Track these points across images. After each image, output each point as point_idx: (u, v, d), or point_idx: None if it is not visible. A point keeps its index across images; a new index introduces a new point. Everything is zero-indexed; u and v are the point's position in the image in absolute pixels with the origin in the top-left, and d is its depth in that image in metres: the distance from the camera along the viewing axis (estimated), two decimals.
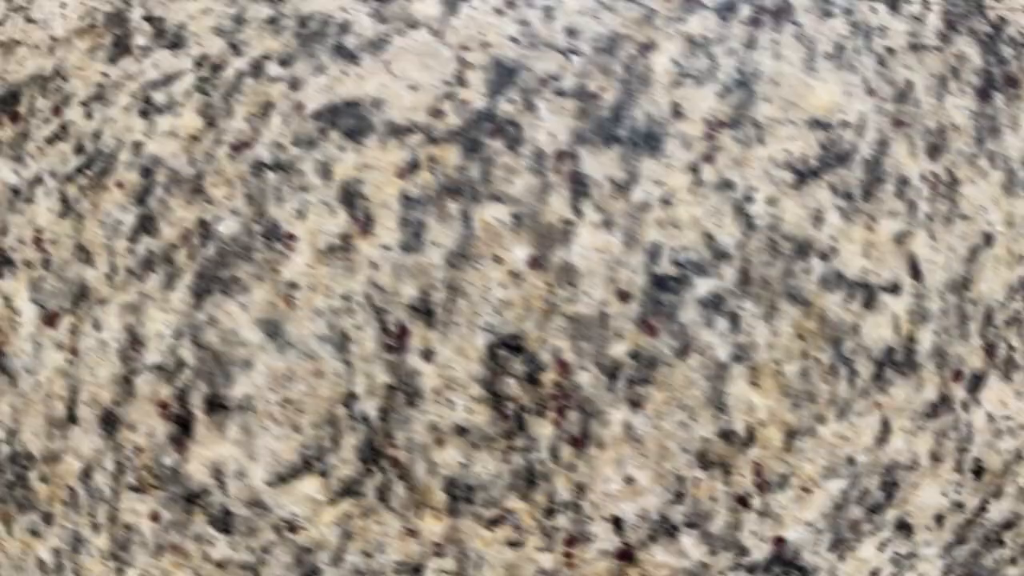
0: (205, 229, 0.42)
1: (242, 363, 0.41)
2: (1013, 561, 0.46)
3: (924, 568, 0.43)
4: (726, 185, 0.43)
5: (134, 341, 0.43)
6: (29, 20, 0.46)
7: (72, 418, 0.43)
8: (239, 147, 0.43)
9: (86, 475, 0.42)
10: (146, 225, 0.43)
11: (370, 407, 0.41)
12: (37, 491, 0.43)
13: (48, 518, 0.43)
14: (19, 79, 0.45)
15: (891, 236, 0.43)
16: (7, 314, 0.43)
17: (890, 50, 0.44)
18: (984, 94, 0.44)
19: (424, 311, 0.42)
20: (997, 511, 0.44)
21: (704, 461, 0.40)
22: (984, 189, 0.44)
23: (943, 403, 0.42)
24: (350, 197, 0.42)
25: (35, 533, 0.43)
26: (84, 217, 0.44)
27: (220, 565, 0.42)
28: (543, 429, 0.41)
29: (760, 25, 0.44)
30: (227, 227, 0.42)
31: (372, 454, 0.41)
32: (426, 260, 0.42)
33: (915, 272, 0.43)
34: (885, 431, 0.42)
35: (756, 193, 0.43)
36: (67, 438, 0.43)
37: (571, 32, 0.44)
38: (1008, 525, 0.44)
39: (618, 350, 0.42)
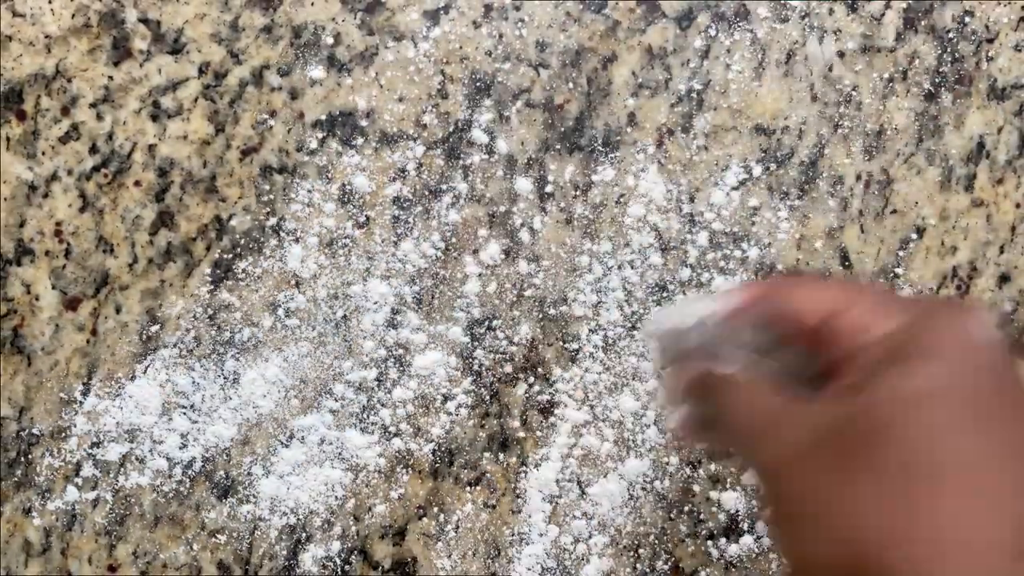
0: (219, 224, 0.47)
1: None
2: None
3: None
4: (675, 185, 0.48)
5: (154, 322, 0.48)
6: (16, 14, 0.48)
7: (87, 392, 0.48)
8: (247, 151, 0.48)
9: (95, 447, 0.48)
10: (165, 220, 0.48)
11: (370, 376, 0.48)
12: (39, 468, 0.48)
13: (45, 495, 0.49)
14: (19, 77, 0.48)
15: (823, 230, 0.48)
16: (26, 299, 0.48)
17: (841, 54, 0.49)
18: (931, 94, 0.49)
19: (415, 300, 0.48)
20: None
21: None
22: (919, 186, 0.49)
23: None
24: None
25: (27, 512, 0.48)
26: (104, 212, 0.48)
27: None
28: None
29: (716, 34, 0.49)
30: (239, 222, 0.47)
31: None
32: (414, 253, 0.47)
33: (845, 262, 0.49)
34: None
35: (699, 193, 0.48)
36: (79, 413, 0.48)
37: (541, 46, 0.49)
38: None
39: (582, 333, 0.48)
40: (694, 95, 0.49)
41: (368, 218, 0.49)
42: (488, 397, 0.49)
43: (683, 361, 0.33)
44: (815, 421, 0.27)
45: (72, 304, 0.49)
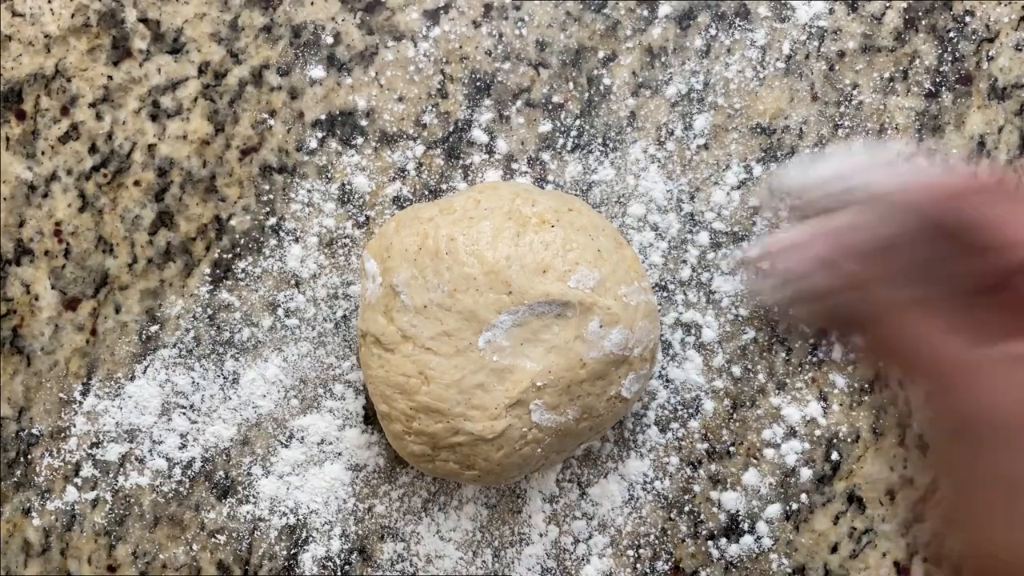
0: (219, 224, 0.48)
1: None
2: None
3: (886, 546, 0.48)
4: (675, 184, 0.49)
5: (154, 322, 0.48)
6: (16, 14, 0.49)
7: (86, 392, 0.49)
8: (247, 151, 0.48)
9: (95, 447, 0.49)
10: (164, 220, 0.49)
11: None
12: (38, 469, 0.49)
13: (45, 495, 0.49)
14: (19, 77, 0.49)
15: None
16: (26, 299, 0.49)
17: (841, 54, 0.49)
18: (932, 94, 0.50)
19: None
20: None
21: None
22: None
23: (878, 379, 0.48)
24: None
25: (27, 512, 0.49)
26: (104, 212, 0.49)
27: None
28: None
29: (716, 33, 0.49)
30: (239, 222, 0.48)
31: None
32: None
33: None
34: (825, 405, 0.49)
35: (699, 193, 0.49)
36: (79, 413, 0.49)
37: (541, 46, 0.49)
38: None
39: None
40: (694, 95, 0.49)
41: (368, 218, 0.49)
42: None
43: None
44: (1016, 380, 0.22)
45: (72, 304, 0.49)
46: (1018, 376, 0.22)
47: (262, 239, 0.49)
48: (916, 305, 0.24)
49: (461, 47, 0.49)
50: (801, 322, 0.26)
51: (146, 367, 0.49)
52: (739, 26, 0.49)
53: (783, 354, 0.49)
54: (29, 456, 0.49)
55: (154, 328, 0.49)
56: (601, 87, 0.49)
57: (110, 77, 0.49)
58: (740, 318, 0.49)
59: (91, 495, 0.49)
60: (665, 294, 0.49)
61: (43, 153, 0.49)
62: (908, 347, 0.24)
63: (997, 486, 0.22)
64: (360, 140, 0.49)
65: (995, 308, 0.24)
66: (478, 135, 0.49)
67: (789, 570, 0.49)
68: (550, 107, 0.49)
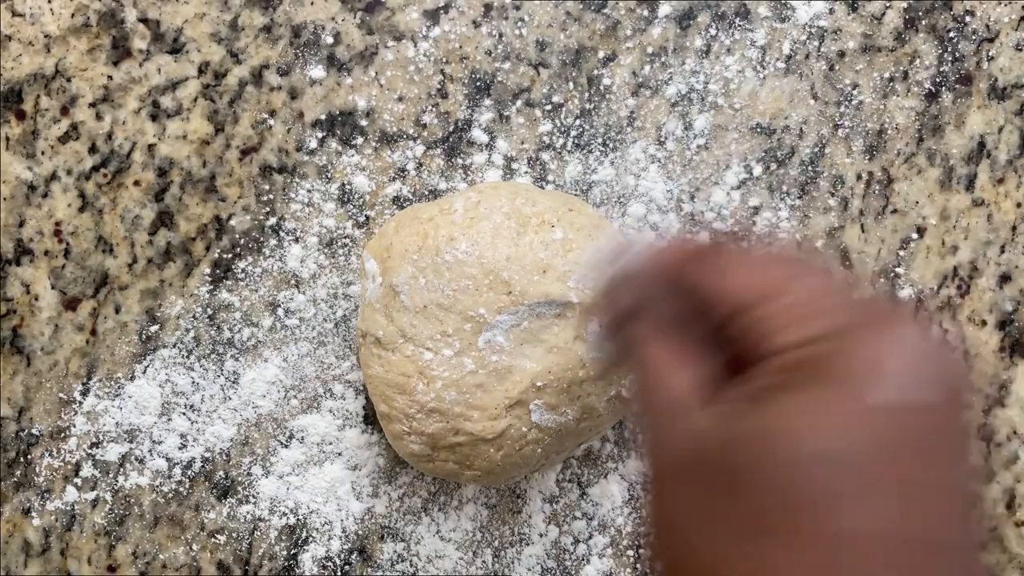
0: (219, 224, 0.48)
1: None
2: (983, 546, 0.50)
3: None
4: (675, 184, 0.49)
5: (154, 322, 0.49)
6: (16, 14, 0.49)
7: (86, 392, 0.49)
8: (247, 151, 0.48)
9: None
10: (164, 220, 0.49)
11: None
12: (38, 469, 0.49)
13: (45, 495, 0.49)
14: (19, 77, 0.49)
15: (824, 230, 0.49)
16: (26, 299, 0.49)
17: (841, 54, 0.49)
18: (932, 94, 0.50)
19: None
20: None
21: None
22: (920, 185, 0.50)
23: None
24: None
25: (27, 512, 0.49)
26: (104, 212, 0.49)
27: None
28: None
29: (716, 33, 0.49)
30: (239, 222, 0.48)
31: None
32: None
33: (846, 262, 0.49)
34: None
35: (699, 193, 0.49)
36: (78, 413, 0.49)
37: (541, 46, 0.49)
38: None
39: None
40: (694, 95, 0.50)
41: (368, 218, 0.49)
42: None
43: (615, 294, 0.30)
44: (707, 428, 0.24)
45: (71, 304, 0.49)
46: (693, 416, 0.24)
47: (262, 239, 0.49)
48: (661, 336, 0.27)
49: (461, 47, 0.50)
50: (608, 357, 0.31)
51: (146, 367, 0.49)
52: (739, 26, 0.50)
53: None
54: (29, 456, 0.49)
55: (154, 328, 0.49)
56: (601, 87, 0.49)
57: (110, 77, 0.49)
58: None
59: (91, 495, 0.49)
60: None
61: (43, 153, 0.49)
62: (644, 371, 0.27)
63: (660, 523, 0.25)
64: (360, 140, 0.49)
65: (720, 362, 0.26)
66: (478, 135, 0.49)
67: None
68: (550, 107, 0.49)
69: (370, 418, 0.49)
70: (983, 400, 0.50)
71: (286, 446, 0.49)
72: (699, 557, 0.23)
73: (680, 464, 0.24)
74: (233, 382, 0.49)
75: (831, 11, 0.50)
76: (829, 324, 0.23)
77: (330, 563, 0.49)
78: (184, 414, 0.49)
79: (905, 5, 0.50)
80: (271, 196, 0.49)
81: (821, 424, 0.22)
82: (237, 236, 0.49)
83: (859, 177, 0.50)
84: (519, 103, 0.50)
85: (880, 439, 0.21)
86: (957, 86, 0.49)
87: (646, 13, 0.50)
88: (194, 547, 0.49)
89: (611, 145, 0.49)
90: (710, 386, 0.25)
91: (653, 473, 0.25)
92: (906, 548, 0.21)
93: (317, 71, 0.49)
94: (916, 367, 0.22)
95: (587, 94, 0.50)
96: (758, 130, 0.50)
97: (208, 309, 0.49)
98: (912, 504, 0.21)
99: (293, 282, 0.49)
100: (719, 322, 0.25)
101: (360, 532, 0.49)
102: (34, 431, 0.49)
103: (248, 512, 0.49)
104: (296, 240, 0.49)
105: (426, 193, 0.50)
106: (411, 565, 0.49)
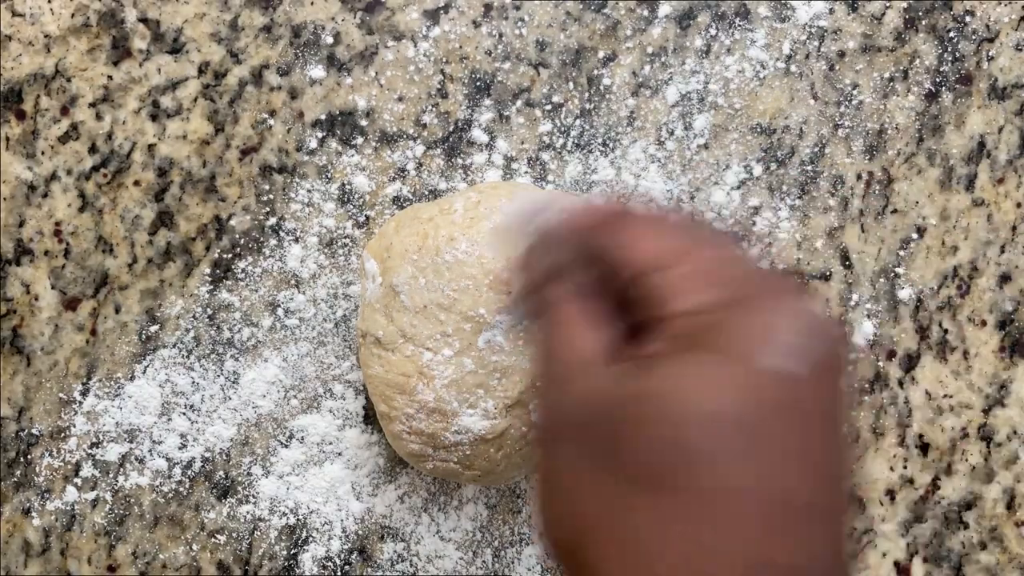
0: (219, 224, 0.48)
1: None
2: (983, 546, 0.48)
3: (886, 546, 0.49)
4: (675, 184, 0.49)
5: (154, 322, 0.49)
6: (16, 14, 0.49)
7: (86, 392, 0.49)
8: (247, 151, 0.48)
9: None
10: (164, 220, 0.49)
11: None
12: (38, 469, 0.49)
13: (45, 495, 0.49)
14: (19, 77, 0.49)
15: (824, 230, 0.49)
16: (26, 299, 0.49)
17: (841, 54, 0.49)
18: (932, 94, 0.50)
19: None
20: (952, 489, 0.48)
21: None
22: (920, 185, 0.50)
23: (878, 379, 0.49)
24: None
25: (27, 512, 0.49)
26: (104, 212, 0.49)
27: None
28: None
29: (716, 33, 0.50)
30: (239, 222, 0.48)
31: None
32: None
33: (846, 262, 0.49)
34: None
35: (699, 193, 0.49)
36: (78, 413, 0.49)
37: (541, 46, 0.49)
38: (968, 506, 0.49)
39: None
40: (694, 95, 0.50)
41: (368, 218, 0.49)
42: None
43: (533, 254, 0.31)
44: (603, 386, 0.25)
45: (71, 304, 0.49)
46: (591, 376, 0.25)
47: (262, 239, 0.49)
48: (574, 299, 0.28)
49: (461, 47, 0.50)
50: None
51: (146, 367, 0.49)
52: (739, 26, 0.50)
53: None
54: (29, 456, 0.49)
55: (154, 328, 0.49)
56: (601, 87, 0.50)
57: (110, 77, 0.49)
58: None
59: (91, 495, 0.49)
60: None
61: (43, 153, 0.49)
62: (556, 330, 0.27)
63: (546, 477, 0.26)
64: (360, 140, 0.49)
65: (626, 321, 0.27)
66: (478, 135, 0.49)
67: None
68: (550, 107, 0.49)
69: (370, 418, 0.49)
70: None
71: (286, 446, 0.49)
72: (582, 511, 0.24)
73: (572, 421, 0.25)
74: (233, 382, 0.49)
75: (831, 11, 0.50)
76: (723, 294, 0.24)
77: (330, 563, 0.49)
78: (184, 414, 0.49)
79: (905, 5, 0.50)
80: (271, 196, 0.49)
81: (706, 387, 0.23)
82: (237, 236, 0.49)
83: (859, 177, 0.50)
84: (519, 103, 0.50)
85: (760, 404, 0.22)
86: (957, 86, 0.50)
87: (646, 13, 0.50)
88: (194, 547, 0.49)
89: (611, 145, 0.50)
90: (615, 349, 0.26)
91: (544, 431, 0.26)
92: (778, 508, 0.22)
93: (317, 71, 0.49)
94: (800, 338, 0.23)
95: (587, 94, 0.50)
96: (758, 130, 0.50)
97: (208, 309, 0.49)
98: (785, 467, 0.22)
99: (293, 282, 0.49)
100: (621, 286, 0.26)
101: (360, 532, 0.49)
102: (34, 431, 0.49)
103: (248, 512, 0.49)
104: (296, 240, 0.49)
105: (426, 193, 0.50)
106: (411, 565, 0.49)
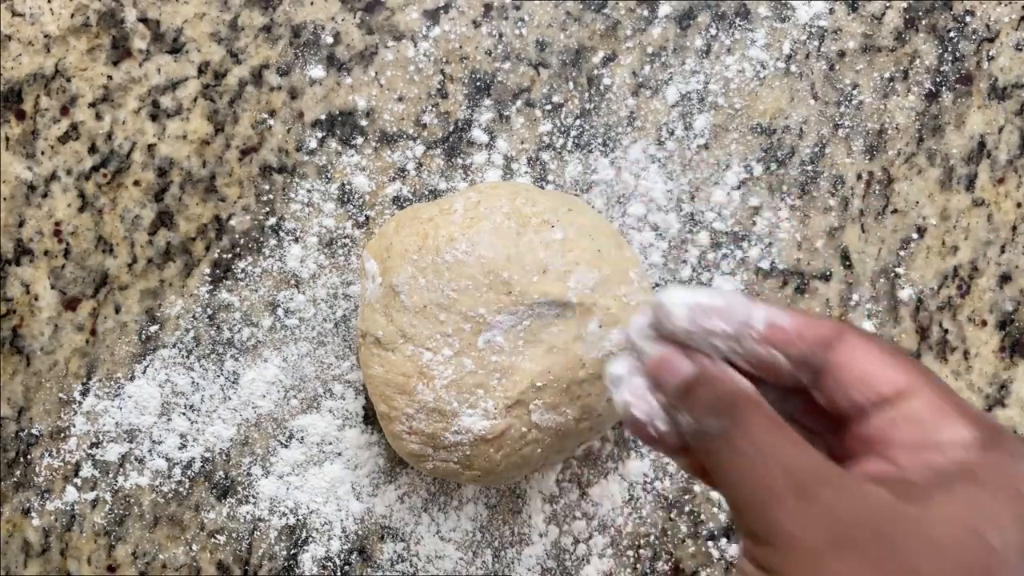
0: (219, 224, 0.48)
1: None
2: None
3: None
4: (675, 184, 0.49)
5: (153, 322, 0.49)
6: (16, 14, 0.49)
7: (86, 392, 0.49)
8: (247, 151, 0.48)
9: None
10: (164, 220, 0.49)
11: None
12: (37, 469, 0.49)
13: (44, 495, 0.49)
14: (19, 77, 0.49)
15: (824, 230, 0.49)
16: (26, 299, 0.49)
17: (841, 54, 0.49)
18: (932, 94, 0.50)
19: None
20: None
21: None
22: (920, 185, 0.50)
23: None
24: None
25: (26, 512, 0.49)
26: (103, 212, 0.49)
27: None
28: None
29: (716, 33, 0.50)
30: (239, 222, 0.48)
31: None
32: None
33: (846, 262, 0.49)
34: None
35: (699, 193, 0.49)
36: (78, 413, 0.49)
37: (541, 46, 0.49)
38: None
39: None
40: (694, 95, 0.50)
41: (368, 218, 0.49)
42: None
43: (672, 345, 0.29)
44: (856, 505, 0.25)
45: (71, 304, 0.49)
46: (834, 490, 0.25)
47: (262, 239, 0.49)
48: (770, 410, 0.28)
49: (461, 47, 0.50)
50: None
51: (146, 367, 0.49)
52: (739, 26, 0.50)
53: None
54: (29, 456, 0.49)
55: (154, 328, 0.49)
56: (601, 87, 0.50)
57: (110, 77, 0.49)
58: None
59: (91, 495, 0.49)
60: None
61: (43, 153, 0.49)
62: (759, 455, 0.27)
63: None
64: (360, 140, 0.49)
65: (839, 442, 0.28)
66: (478, 135, 0.49)
67: None
68: (550, 107, 0.50)
69: (370, 418, 0.49)
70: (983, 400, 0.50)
71: (286, 446, 0.49)
72: None
73: (831, 540, 0.25)
74: (233, 382, 0.49)
75: (831, 11, 0.50)
76: (977, 434, 0.26)
77: (330, 563, 0.49)
78: (184, 414, 0.49)
79: (905, 5, 0.50)
80: (271, 196, 0.49)
81: (990, 521, 0.24)
82: (237, 236, 0.49)
83: (859, 177, 0.50)
84: (519, 103, 0.50)
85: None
86: (957, 86, 0.50)
87: (646, 13, 0.50)
88: (194, 547, 0.49)
89: (611, 145, 0.50)
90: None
91: (780, 551, 0.25)
92: None
93: (317, 71, 0.49)
94: None
95: (587, 94, 0.50)
96: (758, 130, 0.50)
97: (208, 309, 0.49)
98: None
99: (293, 282, 0.49)
100: (846, 407, 0.27)
101: (360, 532, 0.49)
102: (34, 431, 0.49)
103: (248, 512, 0.49)
104: (296, 240, 0.49)
105: (426, 193, 0.50)
106: (411, 565, 0.49)
